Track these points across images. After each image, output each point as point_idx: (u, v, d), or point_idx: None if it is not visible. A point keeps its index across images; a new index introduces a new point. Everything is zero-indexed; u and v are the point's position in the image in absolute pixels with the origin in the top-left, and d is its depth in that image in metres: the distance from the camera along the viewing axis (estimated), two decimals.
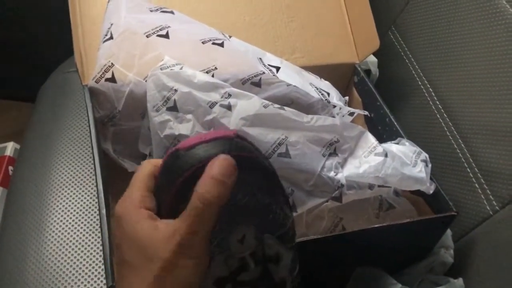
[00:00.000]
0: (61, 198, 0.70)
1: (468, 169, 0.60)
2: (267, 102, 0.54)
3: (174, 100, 0.54)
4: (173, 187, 0.34)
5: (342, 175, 0.52)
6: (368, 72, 0.77)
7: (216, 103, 0.53)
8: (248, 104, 0.53)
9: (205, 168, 0.33)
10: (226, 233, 0.34)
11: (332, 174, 0.52)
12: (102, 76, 0.57)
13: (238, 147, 0.35)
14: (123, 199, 0.36)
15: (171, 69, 0.55)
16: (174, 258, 0.32)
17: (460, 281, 0.55)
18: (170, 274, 0.32)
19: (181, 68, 0.55)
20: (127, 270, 0.34)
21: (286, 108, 0.54)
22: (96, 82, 0.57)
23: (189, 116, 0.54)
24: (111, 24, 0.55)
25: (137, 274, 0.33)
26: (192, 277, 0.33)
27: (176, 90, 0.54)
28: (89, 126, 0.57)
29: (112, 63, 0.56)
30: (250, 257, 0.34)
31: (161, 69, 0.55)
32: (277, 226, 0.36)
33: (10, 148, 0.98)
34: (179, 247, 0.32)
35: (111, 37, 0.55)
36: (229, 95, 0.54)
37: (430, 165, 0.55)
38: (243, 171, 0.34)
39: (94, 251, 0.64)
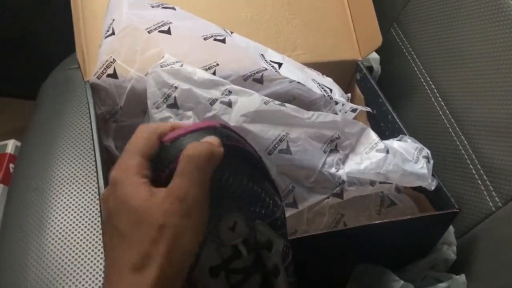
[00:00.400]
0: (62, 195, 0.70)
1: (470, 166, 0.60)
2: (267, 98, 0.53)
3: (175, 97, 0.54)
4: (162, 178, 0.34)
5: (343, 172, 0.52)
6: (370, 69, 0.77)
7: (217, 100, 0.53)
8: (249, 100, 0.53)
9: None
10: (216, 221, 0.34)
11: (333, 170, 0.52)
12: (104, 72, 0.57)
13: (224, 136, 0.36)
14: (119, 164, 0.34)
15: (171, 67, 0.55)
16: (168, 218, 0.31)
17: (462, 277, 0.54)
18: (165, 238, 0.31)
19: (181, 66, 0.55)
20: (119, 239, 0.32)
21: (286, 104, 0.53)
22: (98, 78, 0.57)
23: (190, 113, 0.54)
24: (113, 20, 0.55)
25: (130, 243, 0.32)
26: (188, 242, 0.32)
27: (176, 87, 0.54)
28: (91, 122, 0.56)
29: (113, 59, 0.56)
30: (242, 245, 0.34)
31: (161, 66, 0.55)
32: (268, 214, 0.36)
33: (11, 145, 0.98)
34: (172, 205, 0.31)
35: (113, 33, 0.55)
36: (230, 92, 0.54)
37: (432, 161, 0.55)
38: (230, 159, 0.35)
39: (96, 247, 0.64)
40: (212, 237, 0.34)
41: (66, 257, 0.63)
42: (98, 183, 0.52)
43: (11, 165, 0.94)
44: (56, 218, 0.68)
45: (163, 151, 0.35)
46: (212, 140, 0.34)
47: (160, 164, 0.34)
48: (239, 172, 0.36)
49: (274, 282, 0.36)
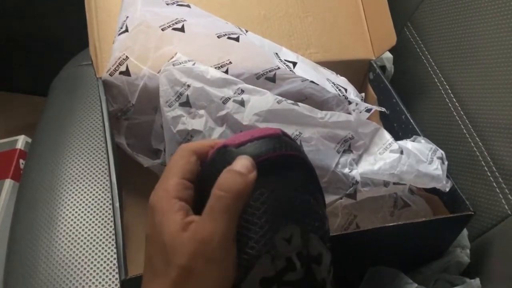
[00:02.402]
0: (73, 192, 0.70)
1: (485, 168, 0.59)
2: (280, 98, 0.53)
3: (187, 95, 0.54)
4: None
5: (356, 172, 0.52)
6: (383, 68, 0.76)
7: (229, 98, 0.53)
8: (262, 100, 0.53)
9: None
10: (272, 232, 0.33)
11: (346, 170, 0.52)
12: (117, 69, 0.56)
13: (287, 145, 0.36)
14: (157, 187, 0.34)
15: (184, 65, 0.54)
16: (192, 261, 0.30)
17: (477, 281, 0.54)
18: (187, 281, 0.30)
19: (193, 64, 0.55)
20: (149, 271, 0.32)
21: (300, 104, 0.53)
22: (110, 75, 0.57)
23: (202, 112, 0.54)
24: (127, 17, 0.55)
25: (156, 278, 0.31)
26: (213, 285, 0.31)
27: (189, 86, 0.53)
28: (103, 119, 0.56)
29: (126, 56, 0.56)
30: (296, 257, 0.34)
31: (173, 65, 0.54)
32: (319, 226, 0.36)
33: (21, 141, 0.98)
34: (197, 247, 0.30)
35: (126, 30, 0.55)
36: (242, 91, 0.54)
37: (446, 163, 0.54)
38: (290, 169, 0.35)
39: (106, 245, 0.64)
40: (268, 248, 0.33)
41: (77, 254, 0.63)
42: (110, 179, 0.52)
43: (21, 161, 0.94)
44: (66, 215, 0.68)
45: (227, 155, 0.35)
46: (244, 167, 0.33)
47: (222, 168, 0.34)
48: (295, 181, 0.35)
49: None
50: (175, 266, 0.30)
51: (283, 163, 0.35)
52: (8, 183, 0.90)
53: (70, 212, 0.68)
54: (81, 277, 0.61)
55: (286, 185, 0.34)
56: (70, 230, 0.66)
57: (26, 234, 0.68)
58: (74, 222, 0.66)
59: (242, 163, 0.33)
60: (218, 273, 0.31)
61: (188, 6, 0.55)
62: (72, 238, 0.65)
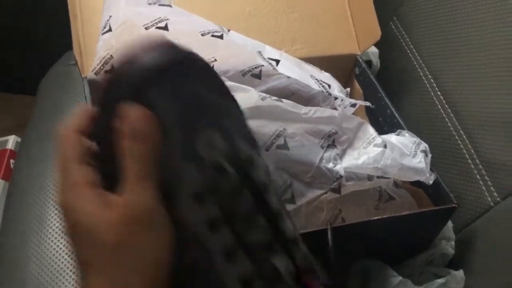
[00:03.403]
0: None
1: (469, 161, 0.60)
2: (264, 94, 0.53)
3: None
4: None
5: (341, 167, 0.52)
6: (369, 63, 0.77)
7: None
8: (246, 96, 0.53)
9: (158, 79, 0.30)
10: (189, 141, 0.30)
11: (330, 165, 0.52)
12: (102, 68, 0.56)
13: (180, 49, 0.32)
14: (60, 188, 0.30)
15: None
16: (124, 236, 0.27)
17: (461, 272, 0.54)
18: (126, 259, 0.27)
19: None
20: (86, 270, 0.29)
21: (283, 100, 0.53)
22: (96, 74, 0.57)
23: None
24: (110, 17, 0.55)
25: (95, 272, 0.28)
26: (156, 253, 0.28)
27: None
28: None
29: (111, 55, 0.56)
30: (225, 161, 0.30)
31: None
32: (239, 127, 0.33)
33: (11, 141, 0.98)
34: (126, 225, 0.27)
35: (110, 29, 0.55)
36: None
37: (430, 156, 0.55)
38: (188, 74, 0.31)
39: None
40: (190, 158, 0.30)
41: (66, 253, 0.63)
42: None
43: (12, 161, 0.94)
44: (56, 214, 0.68)
45: (119, 91, 0.30)
46: (136, 118, 0.29)
47: (116, 99, 0.29)
48: (198, 85, 0.32)
49: (266, 198, 0.32)
50: (106, 246, 0.28)
51: (180, 69, 0.31)
52: None
53: (60, 211, 0.68)
54: (70, 276, 0.61)
55: (189, 89, 0.31)
56: (60, 229, 0.66)
57: (17, 234, 0.68)
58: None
59: (128, 117, 0.29)
60: (156, 239, 0.28)
61: (170, 6, 0.56)
62: (62, 237, 0.65)
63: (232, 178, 0.31)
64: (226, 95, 0.34)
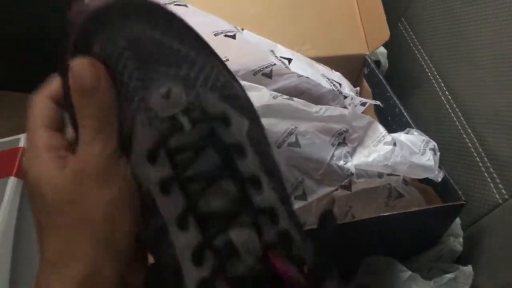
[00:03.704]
0: None
1: (477, 158, 0.61)
2: (276, 93, 0.54)
3: None
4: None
5: (351, 164, 0.53)
6: (377, 63, 0.78)
7: None
8: (257, 95, 0.54)
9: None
10: (141, 92, 0.27)
11: (341, 163, 0.53)
12: None
13: None
14: (25, 149, 0.29)
15: None
16: (76, 193, 0.27)
17: (469, 268, 0.55)
18: (79, 217, 0.27)
19: None
20: (41, 233, 0.28)
21: (295, 99, 0.54)
22: None
23: None
24: None
25: (50, 234, 0.27)
26: (109, 208, 0.27)
27: None
28: None
29: None
30: (183, 115, 0.27)
31: None
32: (218, 85, 0.29)
33: (23, 139, 0.99)
34: (76, 177, 0.27)
35: None
36: None
37: (438, 154, 0.56)
38: (141, 15, 0.29)
39: None
40: (141, 113, 0.27)
41: None
42: None
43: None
44: None
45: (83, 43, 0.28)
46: (80, 68, 0.28)
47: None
48: (157, 29, 0.29)
49: (238, 163, 0.27)
50: (62, 205, 0.27)
51: (131, 12, 0.29)
52: (12, 180, 0.91)
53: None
54: None
55: (144, 36, 0.28)
56: None
57: (32, 229, 0.69)
58: None
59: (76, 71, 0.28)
60: (110, 191, 0.27)
61: (185, 5, 0.57)
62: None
63: (188, 135, 0.27)
64: (196, 45, 0.30)
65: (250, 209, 0.27)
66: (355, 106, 0.62)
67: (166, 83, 0.27)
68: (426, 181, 0.57)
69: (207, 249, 0.26)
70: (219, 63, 0.31)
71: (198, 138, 0.27)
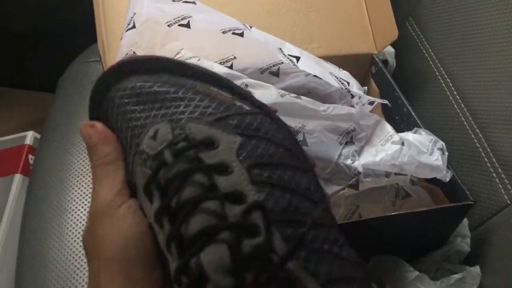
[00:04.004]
0: (82, 185, 0.72)
1: (485, 159, 0.60)
2: (283, 91, 0.54)
3: None
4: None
5: (359, 163, 0.53)
6: (385, 62, 0.77)
7: None
8: (265, 93, 0.54)
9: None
10: (138, 139, 0.31)
11: (349, 162, 0.53)
12: None
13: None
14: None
15: (189, 61, 0.56)
16: (93, 226, 0.31)
17: (477, 268, 0.55)
18: (98, 247, 0.30)
19: (198, 60, 0.56)
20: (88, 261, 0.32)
21: (302, 97, 0.54)
22: None
23: None
24: (134, 13, 0.56)
25: (88, 261, 0.32)
26: (120, 239, 0.30)
27: None
28: None
29: (134, 52, 0.57)
30: (167, 149, 0.29)
31: None
32: (203, 112, 0.30)
33: (30, 137, 0.99)
34: (91, 213, 0.31)
35: (134, 26, 0.56)
36: (246, 86, 0.55)
37: (446, 153, 0.55)
38: (132, 70, 0.32)
39: None
40: (137, 157, 0.30)
41: None
42: None
43: (30, 156, 0.96)
44: (76, 207, 0.69)
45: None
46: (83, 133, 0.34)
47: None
48: (144, 76, 0.32)
49: (219, 182, 0.28)
50: (88, 235, 0.32)
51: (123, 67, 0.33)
52: (17, 177, 0.91)
53: (80, 204, 0.69)
54: None
55: (136, 86, 0.32)
56: (80, 222, 0.67)
57: (37, 226, 0.69)
58: (84, 215, 0.68)
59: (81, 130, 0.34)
60: (118, 225, 0.31)
61: (194, 2, 0.57)
62: (83, 230, 0.66)
63: (173, 166, 0.28)
64: (185, 82, 0.32)
65: (227, 226, 0.27)
66: (363, 105, 0.62)
67: (154, 126, 0.30)
68: (434, 181, 0.57)
69: (184, 275, 0.27)
70: (217, 90, 0.32)
71: (183, 168, 0.28)
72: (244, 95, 0.33)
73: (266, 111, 0.33)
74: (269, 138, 0.31)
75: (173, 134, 0.29)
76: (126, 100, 0.32)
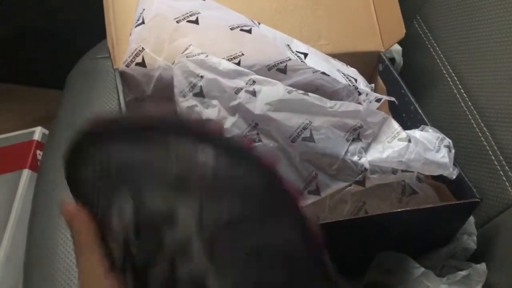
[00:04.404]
0: None
1: (492, 157, 0.60)
2: (291, 88, 0.55)
3: (200, 86, 0.55)
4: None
5: (365, 160, 0.53)
6: (392, 60, 0.77)
7: (242, 89, 0.54)
8: (273, 90, 0.54)
9: None
10: (106, 215, 0.31)
11: (355, 158, 0.53)
12: (133, 60, 0.58)
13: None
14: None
15: (197, 57, 0.56)
16: None
17: (483, 265, 0.55)
18: None
19: (206, 56, 0.56)
20: None
21: (310, 94, 0.54)
22: (127, 66, 0.58)
23: (215, 102, 0.55)
24: (143, 9, 0.57)
25: None
26: None
27: (202, 77, 0.55)
28: (120, 109, 0.58)
29: (142, 48, 0.58)
30: (132, 228, 0.29)
31: (186, 57, 0.56)
32: (163, 179, 0.29)
33: (38, 132, 1.00)
34: (83, 283, 0.31)
35: (143, 22, 0.57)
36: (254, 82, 0.55)
37: (453, 151, 0.55)
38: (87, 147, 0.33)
39: None
40: (110, 234, 0.31)
41: None
42: None
43: (38, 152, 0.96)
44: None
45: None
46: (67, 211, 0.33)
47: None
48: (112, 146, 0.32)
49: (180, 271, 0.28)
50: None
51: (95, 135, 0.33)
52: (26, 173, 0.92)
53: None
54: None
55: (103, 156, 0.32)
56: None
57: (45, 221, 0.70)
58: None
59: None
60: None
61: None
62: None
63: (136, 246, 0.29)
64: (152, 148, 0.30)
65: None
66: (370, 102, 0.62)
67: (119, 204, 0.30)
68: (441, 178, 0.57)
69: None
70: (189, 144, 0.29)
71: (147, 247, 0.29)
72: None
73: None
74: None
75: (133, 207, 0.29)
76: (92, 184, 0.32)
